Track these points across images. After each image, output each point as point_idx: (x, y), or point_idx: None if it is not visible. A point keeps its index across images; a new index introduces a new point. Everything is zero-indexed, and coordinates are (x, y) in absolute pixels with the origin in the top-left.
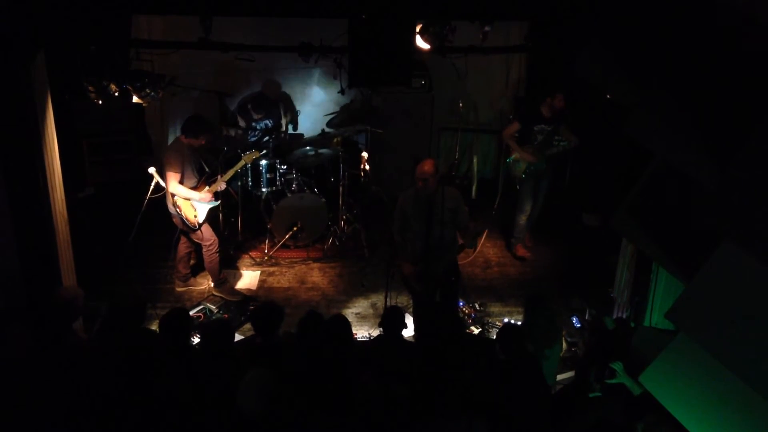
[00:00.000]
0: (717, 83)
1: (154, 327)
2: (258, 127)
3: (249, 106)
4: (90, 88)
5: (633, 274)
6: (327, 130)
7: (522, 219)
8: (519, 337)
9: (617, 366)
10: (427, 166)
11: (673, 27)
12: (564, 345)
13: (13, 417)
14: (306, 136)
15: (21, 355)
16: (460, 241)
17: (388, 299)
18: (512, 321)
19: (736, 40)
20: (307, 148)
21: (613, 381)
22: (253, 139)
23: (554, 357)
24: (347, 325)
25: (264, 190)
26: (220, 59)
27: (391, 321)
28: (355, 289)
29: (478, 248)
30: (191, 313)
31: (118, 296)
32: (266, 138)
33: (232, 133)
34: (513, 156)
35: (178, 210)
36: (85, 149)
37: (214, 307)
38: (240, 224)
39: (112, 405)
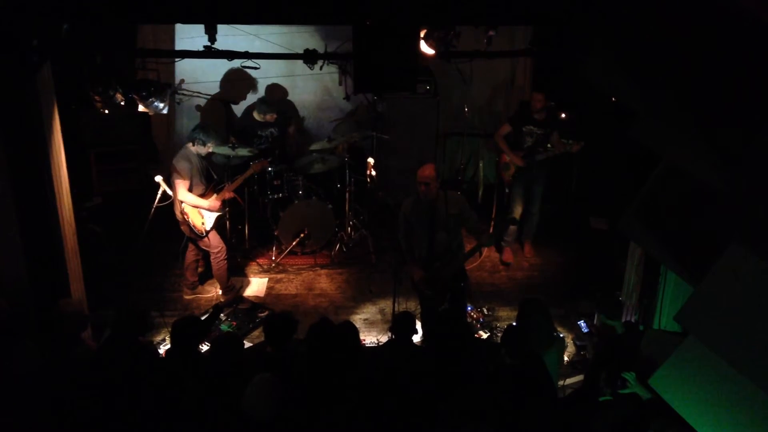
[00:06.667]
0: (722, 84)
1: (162, 336)
2: (264, 135)
3: (254, 113)
4: (96, 97)
5: (641, 277)
6: (333, 136)
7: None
8: (524, 340)
9: (629, 376)
10: (428, 170)
11: (676, 28)
12: (573, 348)
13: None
14: (312, 142)
15: (32, 368)
16: (467, 247)
17: (396, 305)
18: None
19: (740, 41)
20: (313, 154)
21: (626, 391)
22: (261, 147)
23: (551, 362)
24: (355, 332)
25: (271, 197)
26: (225, 67)
27: (402, 326)
28: (363, 295)
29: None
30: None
31: (123, 305)
32: (272, 146)
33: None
34: (503, 158)
35: (185, 217)
36: (92, 159)
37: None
38: (247, 231)
39: (119, 414)
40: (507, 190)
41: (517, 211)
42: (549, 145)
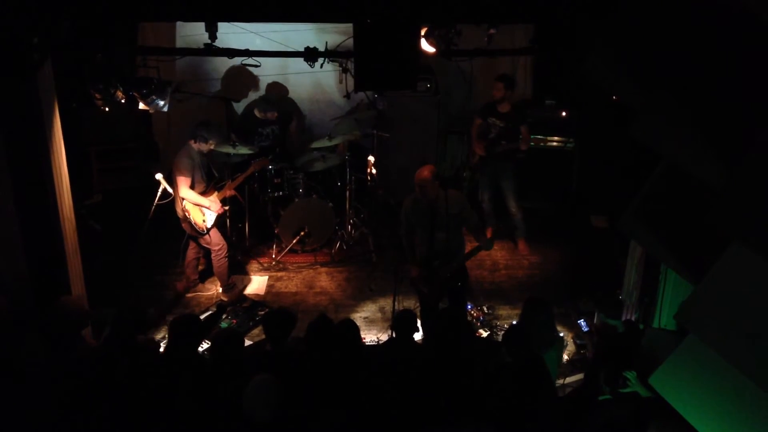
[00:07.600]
0: (722, 83)
1: (163, 333)
2: (264, 133)
3: (255, 110)
4: (96, 95)
5: (642, 275)
6: (333, 134)
7: (482, 206)
8: (525, 339)
9: (630, 375)
10: (425, 172)
11: (677, 27)
12: (573, 347)
13: (27, 425)
14: (312, 140)
15: (35, 366)
16: (469, 247)
17: (396, 303)
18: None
19: (741, 40)
20: (314, 152)
21: (626, 390)
22: (261, 144)
23: (551, 362)
24: (356, 330)
25: (271, 195)
26: (226, 65)
27: (403, 324)
28: (363, 294)
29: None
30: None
31: (123, 303)
32: (273, 144)
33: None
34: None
35: (187, 215)
36: (92, 156)
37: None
38: (247, 229)
39: (120, 412)
40: (466, 173)
41: (485, 198)
42: (521, 139)
